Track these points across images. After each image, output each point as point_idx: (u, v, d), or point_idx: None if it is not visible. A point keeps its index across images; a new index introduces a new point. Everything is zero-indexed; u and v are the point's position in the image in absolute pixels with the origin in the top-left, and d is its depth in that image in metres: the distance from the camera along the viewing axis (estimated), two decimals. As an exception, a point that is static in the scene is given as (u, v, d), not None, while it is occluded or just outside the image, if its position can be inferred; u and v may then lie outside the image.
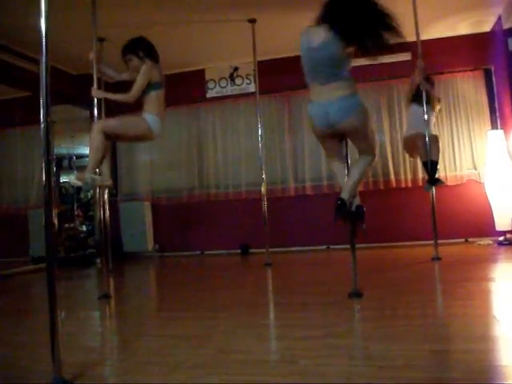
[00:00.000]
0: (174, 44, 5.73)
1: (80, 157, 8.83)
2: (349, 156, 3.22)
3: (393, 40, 2.81)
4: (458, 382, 1.61)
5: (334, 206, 3.05)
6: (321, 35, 2.89)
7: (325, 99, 3.01)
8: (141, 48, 3.49)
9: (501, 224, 5.38)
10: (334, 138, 3.19)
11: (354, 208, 3.14)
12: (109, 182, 3.88)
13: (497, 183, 5.38)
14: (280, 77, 6.38)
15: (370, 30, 2.82)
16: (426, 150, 4.61)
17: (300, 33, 3.01)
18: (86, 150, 4.07)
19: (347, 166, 3.19)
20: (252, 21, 5.08)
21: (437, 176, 4.77)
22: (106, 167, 3.96)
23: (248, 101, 6.36)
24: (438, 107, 5.16)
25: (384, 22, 2.80)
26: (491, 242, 5.43)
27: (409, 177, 6.04)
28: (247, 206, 6.36)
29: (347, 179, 3.15)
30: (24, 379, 1.93)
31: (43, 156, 1.88)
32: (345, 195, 3.06)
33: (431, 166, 4.66)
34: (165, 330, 2.66)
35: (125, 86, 3.42)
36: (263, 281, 4.37)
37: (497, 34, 5.57)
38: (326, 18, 2.91)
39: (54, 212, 1.89)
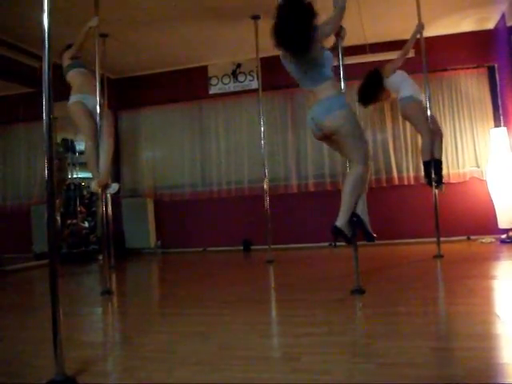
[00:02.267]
0: (176, 40, 5.72)
1: (82, 153, 8.80)
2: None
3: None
4: (459, 379, 1.61)
5: (330, 231, 3.04)
6: None
7: (312, 103, 3.13)
8: None
9: (503, 222, 5.36)
10: (332, 142, 3.21)
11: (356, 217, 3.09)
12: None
13: (500, 181, 5.36)
14: (283, 74, 6.30)
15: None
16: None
17: None
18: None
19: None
20: (255, 17, 5.07)
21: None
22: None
23: (251, 97, 6.33)
24: None
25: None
26: (494, 239, 5.41)
27: (411, 174, 6.02)
28: (249, 203, 6.36)
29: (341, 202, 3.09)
30: (26, 375, 1.94)
31: (45, 152, 1.88)
32: (339, 222, 3.04)
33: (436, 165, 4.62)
34: (167, 327, 2.66)
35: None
36: (265, 278, 4.37)
37: (500, 32, 5.54)
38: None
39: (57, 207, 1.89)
